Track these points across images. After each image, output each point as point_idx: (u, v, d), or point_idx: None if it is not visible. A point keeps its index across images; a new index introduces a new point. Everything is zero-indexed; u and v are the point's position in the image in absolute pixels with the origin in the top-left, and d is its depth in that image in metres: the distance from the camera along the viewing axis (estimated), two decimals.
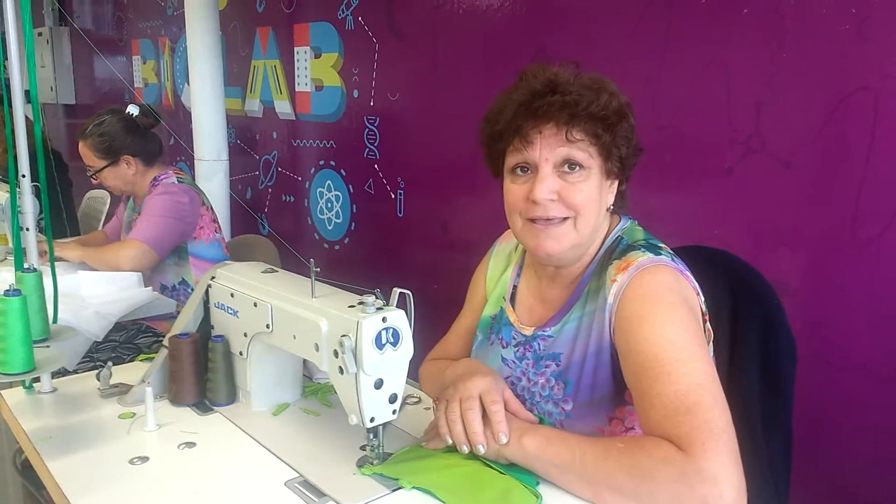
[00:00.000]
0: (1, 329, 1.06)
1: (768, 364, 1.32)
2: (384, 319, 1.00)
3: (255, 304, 1.18)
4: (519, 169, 1.11)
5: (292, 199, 3.74)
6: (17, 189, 2.22)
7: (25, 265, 1.26)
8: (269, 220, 3.97)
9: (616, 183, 1.16)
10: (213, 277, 1.31)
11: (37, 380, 1.35)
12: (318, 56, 3.38)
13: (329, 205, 3.49)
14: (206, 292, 1.32)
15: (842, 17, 1.73)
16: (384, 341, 1.00)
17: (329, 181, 3.46)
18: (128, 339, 2.28)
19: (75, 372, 2.03)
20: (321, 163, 3.49)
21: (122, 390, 1.33)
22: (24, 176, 1.24)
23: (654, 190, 2.19)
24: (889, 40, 1.66)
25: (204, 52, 3.46)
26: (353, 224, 3.37)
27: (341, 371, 1.01)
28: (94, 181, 2.40)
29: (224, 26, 3.80)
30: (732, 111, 1.98)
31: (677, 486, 0.87)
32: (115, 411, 1.27)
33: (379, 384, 1.01)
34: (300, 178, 3.66)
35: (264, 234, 3.99)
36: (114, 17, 5.28)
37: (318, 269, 1.10)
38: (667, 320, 1.02)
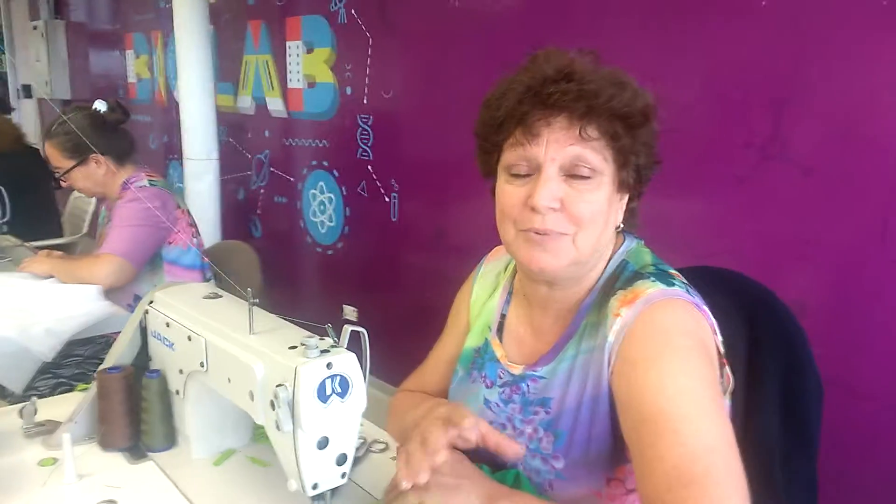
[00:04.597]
0: None
1: (791, 406, 1.14)
2: (329, 365, 0.83)
3: (189, 338, 1.01)
4: (518, 167, 0.92)
5: (285, 200, 3.58)
6: None
7: None
8: (261, 222, 3.81)
9: (626, 198, 0.97)
10: (151, 302, 1.14)
11: None
12: (310, 51, 3.21)
13: (322, 207, 3.32)
14: (144, 319, 1.15)
15: (870, 8, 1.54)
16: (329, 392, 0.83)
17: (322, 182, 3.30)
18: (94, 353, 2.13)
19: (33, 395, 1.89)
20: (314, 163, 3.33)
21: (48, 429, 1.17)
22: None
23: (658, 198, 2.01)
24: None
25: (192, 46, 3.29)
26: (347, 228, 3.20)
27: (278, 427, 0.84)
28: (63, 183, 2.25)
29: (216, 19, 3.64)
30: (747, 113, 1.80)
31: None
32: (36, 455, 1.10)
33: (323, 443, 0.84)
34: (293, 179, 3.49)
35: (257, 237, 3.83)
36: (108, 10, 5.14)
37: (257, 301, 0.93)
38: (678, 368, 0.84)
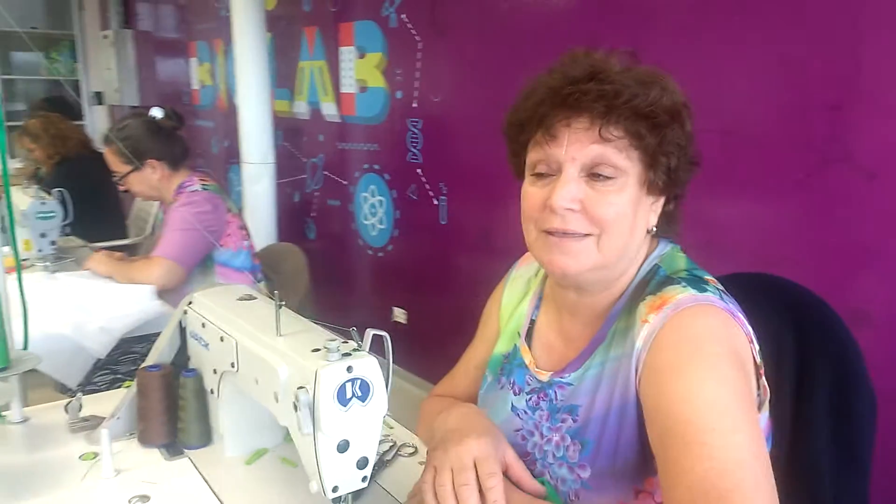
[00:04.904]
0: None
1: (841, 421, 1.08)
2: (349, 369, 0.83)
3: (222, 339, 1.03)
4: (540, 169, 0.91)
5: (338, 203, 3.63)
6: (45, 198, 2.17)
7: None
8: (316, 224, 3.88)
9: (661, 201, 0.94)
10: (190, 303, 1.17)
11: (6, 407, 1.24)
12: (362, 56, 3.25)
13: (373, 210, 3.35)
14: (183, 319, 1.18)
15: None
16: (349, 395, 0.83)
17: (373, 186, 3.33)
18: (149, 351, 2.20)
19: (86, 389, 1.96)
20: (365, 166, 3.36)
21: (93, 424, 1.21)
22: None
23: (714, 202, 1.95)
24: None
25: (249, 53, 3.38)
26: (397, 231, 3.22)
27: (299, 428, 0.84)
28: (121, 187, 2.33)
29: (273, 27, 3.72)
30: (807, 114, 1.72)
31: None
32: (79, 449, 1.14)
33: (343, 447, 0.84)
34: (345, 182, 3.54)
35: (311, 239, 3.89)
36: (174, 19, 5.32)
37: (284, 303, 0.94)
38: (708, 377, 0.81)
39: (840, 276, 1.71)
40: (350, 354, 0.85)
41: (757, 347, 0.91)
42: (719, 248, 2.00)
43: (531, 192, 0.92)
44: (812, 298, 1.14)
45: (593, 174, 0.87)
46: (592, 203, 0.87)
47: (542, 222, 0.90)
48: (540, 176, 0.91)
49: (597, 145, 0.86)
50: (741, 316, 0.89)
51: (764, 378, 0.92)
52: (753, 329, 0.93)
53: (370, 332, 0.87)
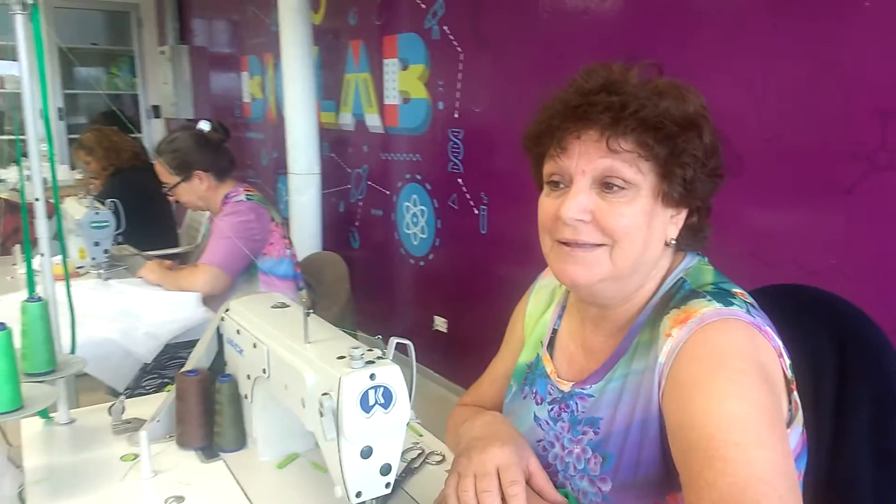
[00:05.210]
0: None
1: (883, 440, 1.04)
2: (372, 377, 0.84)
3: (255, 345, 1.06)
4: (554, 179, 0.92)
5: (381, 213, 3.67)
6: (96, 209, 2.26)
7: (38, 290, 1.20)
8: (359, 233, 3.93)
9: (683, 213, 0.93)
10: (227, 310, 1.20)
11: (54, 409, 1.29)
12: (405, 68, 3.29)
13: (415, 219, 3.38)
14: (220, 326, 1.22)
15: None
16: (372, 402, 0.84)
17: (415, 195, 3.36)
18: None
19: (135, 393, 2.03)
20: (407, 176, 3.40)
21: (135, 426, 1.25)
22: (37, 199, 1.19)
23: (758, 211, 1.91)
24: None
25: (296, 67, 3.46)
26: (438, 240, 3.24)
27: (324, 434, 0.86)
28: (170, 198, 2.42)
29: (320, 40, 3.80)
30: (853, 120, 1.67)
31: None
32: (121, 451, 1.19)
33: (367, 453, 0.86)
34: (388, 192, 3.58)
35: (355, 248, 3.95)
36: (227, 35, 5.48)
37: (311, 311, 0.96)
38: (732, 392, 0.80)
39: (886, 288, 1.65)
40: (373, 362, 0.86)
41: (788, 361, 0.89)
42: (763, 257, 1.96)
43: (546, 203, 0.93)
44: (852, 311, 1.10)
45: (605, 184, 0.88)
46: (603, 214, 0.87)
47: (556, 233, 0.91)
48: (554, 187, 0.92)
49: (606, 159, 0.87)
50: (769, 329, 0.87)
51: (796, 392, 0.90)
52: (789, 342, 0.91)
53: (394, 340, 0.88)
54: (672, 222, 0.92)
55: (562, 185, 0.91)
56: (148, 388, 2.14)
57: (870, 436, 1.05)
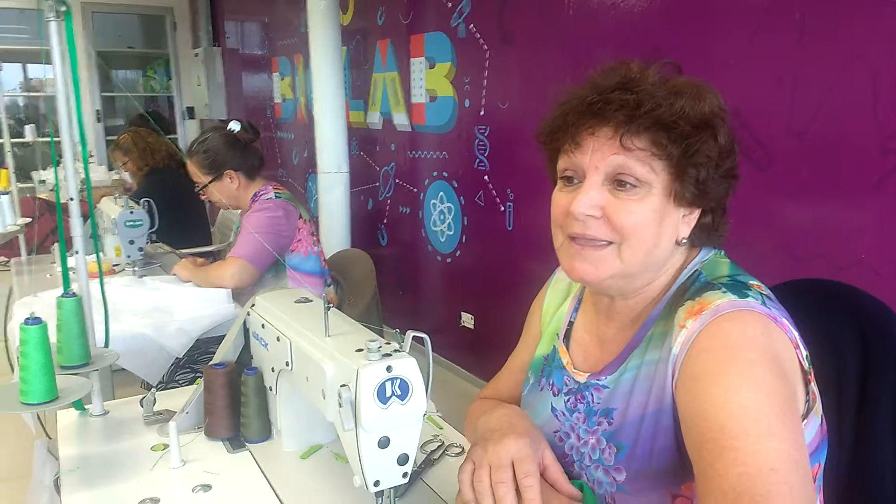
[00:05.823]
0: (22, 358, 1.04)
1: None
2: (389, 369, 0.86)
3: (278, 339, 1.09)
4: (567, 175, 0.93)
5: (408, 210, 3.70)
6: (131, 207, 2.33)
7: (73, 286, 1.25)
8: (387, 231, 3.97)
9: (696, 213, 0.94)
10: (253, 305, 1.24)
11: (89, 401, 1.34)
12: (432, 66, 3.32)
13: (441, 217, 3.40)
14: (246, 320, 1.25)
15: None
16: (389, 394, 0.86)
17: (442, 192, 3.38)
18: None
19: (169, 386, 2.08)
20: (434, 174, 3.42)
21: (165, 418, 1.30)
22: (71, 199, 1.23)
23: (786, 205, 1.89)
24: None
25: (325, 67, 3.51)
26: (464, 237, 3.26)
27: (343, 425, 0.88)
28: (202, 196, 2.47)
29: (348, 40, 3.84)
30: (882, 114, 1.65)
31: None
32: (151, 441, 1.23)
33: (384, 443, 0.88)
34: (415, 190, 3.61)
35: (383, 245, 3.99)
36: (258, 37, 5.57)
37: (331, 305, 0.98)
38: (744, 382, 0.80)
39: None
40: (390, 355, 0.88)
41: (804, 353, 0.89)
42: (792, 252, 1.94)
43: (559, 198, 0.94)
44: (876, 305, 1.09)
45: (618, 182, 0.88)
46: (614, 210, 0.88)
47: (567, 227, 0.92)
48: (568, 183, 0.93)
49: (619, 156, 0.87)
50: (786, 321, 0.87)
51: (814, 384, 0.90)
52: (812, 336, 0.91)
53: (410, 334, 0.90)
54: (684, 222, 0.92)
55: (575, 181, 0.92)
56: (181, 381, 2.20)
57: (892, 430, 1.04)
